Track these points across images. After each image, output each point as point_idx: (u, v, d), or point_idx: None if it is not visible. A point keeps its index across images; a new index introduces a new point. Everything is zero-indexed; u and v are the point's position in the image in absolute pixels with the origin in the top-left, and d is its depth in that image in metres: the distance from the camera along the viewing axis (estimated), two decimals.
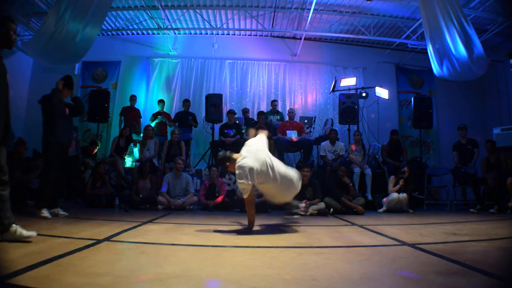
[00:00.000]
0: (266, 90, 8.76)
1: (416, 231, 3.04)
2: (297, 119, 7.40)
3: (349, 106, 6.97)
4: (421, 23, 7.14)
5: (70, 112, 4.05)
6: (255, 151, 2.97)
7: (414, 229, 3.24)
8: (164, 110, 7.70)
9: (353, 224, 3.62)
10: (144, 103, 8.42)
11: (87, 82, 8.58)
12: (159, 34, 8.62)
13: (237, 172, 2.83)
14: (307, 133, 6.92)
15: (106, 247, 2.16)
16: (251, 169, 2.78)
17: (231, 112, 6.84)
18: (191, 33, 8.91)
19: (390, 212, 5.24)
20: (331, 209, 4.90)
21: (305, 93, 8.82)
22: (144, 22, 8.14)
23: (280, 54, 8.98)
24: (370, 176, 5.91)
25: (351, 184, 5.33)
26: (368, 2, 7.01)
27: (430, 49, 6.68)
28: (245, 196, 2.86)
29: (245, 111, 7.69)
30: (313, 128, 7.45)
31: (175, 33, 8.68)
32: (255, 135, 3.38)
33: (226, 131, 6.66)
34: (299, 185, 3.12)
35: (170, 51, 8.78)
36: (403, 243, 2.38)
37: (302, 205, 3.50)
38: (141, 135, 6.90)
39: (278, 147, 6.32)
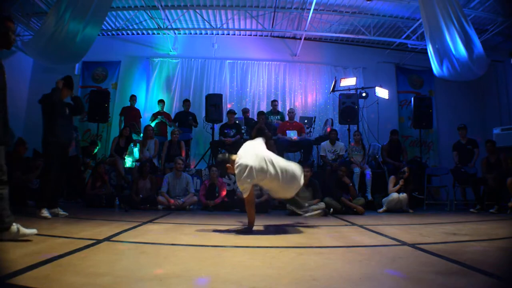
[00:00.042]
0: (266, 90, 8.76)
1: (416, 231, 3.04)
2: (297, 119, 7.40)
3: (349, 106, 6.97)
4: (421, 23, 7.15)
5: (70, 112, 4.05)
6: (252, 149, 2.98)
7: (414, 229, 3.24)
8: (164, 110, 7.71)
9: (353, 224, 3.62)
10: (144, 103, 8.43)
11: (87, 82, 8.58)
12: (159, 34, 8.62)
13: (236, 171, 2.84)
14: (307, 133, 6.92)
15: (106, 247, 2.16)
16: (249, 168, 2.78)
17: (231, 112, 6.84)
18: (191, 33, 8.92)
19: (390, 212, 5.24)
20: (331, 209, 4.90)
21: (305, 93, 8.82)
22: (144, 22, 8.14)
23: (280, 54, 8.99)
24: (370, 176, 5.91)
25: (351, 184, 5.34)
26: (368, 2, 7.02)
27: (430, 49, 6.68)
28: (245, 196, 2.86)
29: (245, 111, 7.69)
30: (313, 128, 7.45)
31: (175, 33, 8.68)
32: (254, 139, 3.38)
33: (225, 131, 6.66)
34: (301, 178, 3.07)
35: (170, 51, 8.78)
36: (403, 243, 2.38)
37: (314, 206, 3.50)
38: (141, 135, 6.90)
39: (278, 147, 6.31)
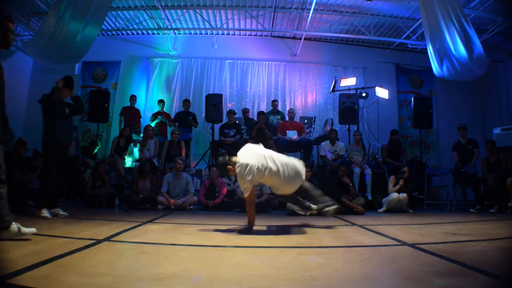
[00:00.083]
0: (266, 90, 8.76)
1: (416, 231, 3.04)
2: (297, 119, 7.40)
3: (349, 106, 6.97)
4: (421, 23, 7.15)
5: (70, 111, 4.05)
6: (251, 150, 3.01)
7: (414, 229, 3.24)
8: (164, 110, 7.71)
9: (353, 224, 3.62)
10: (144, 103, 8.43)
11: (87, 82, 8.58)
12: (159, 34, 8.62)
13: (237, 171, 2.85)
14: (307, 133, 6.93)
15: (106, 247, 2.16)
16: (250, 166, 2.80)
17: (231, 112, 6.84)
18: (191, 33, 8.92)
19: (390, 212, 5.24)
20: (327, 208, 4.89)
21: (305, 93, 8.82)
22: (144, 22, 8.15)
23: (280, 54, 8.99)
24: (370, 176, 5.91)
25: (351, 184, 5.34)
26: (368, 2, 7.02)
27: (430, 49, 6.68)
28: (246, 195, 2.87)
29: (245, 111, 7.69)
30: (313, 128, 7.45)
31: (175, 33, 8.68)
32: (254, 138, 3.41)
33: (225, 131, 6.66)
34: (303, 172, 3.06)
35: (170, 51, 8.78)
36: (403, 243, 2.38)
37: (314, 206, 3.48)
38: (141, 135, 6.90)
39: (278, 147, 6.31)
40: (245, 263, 1.78)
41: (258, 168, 2.82)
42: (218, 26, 8.40)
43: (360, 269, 1.67)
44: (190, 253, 2.08)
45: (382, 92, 7.76)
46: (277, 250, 2.15)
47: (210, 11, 7.95)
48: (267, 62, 8.87)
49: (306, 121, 7.25)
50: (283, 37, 9.10)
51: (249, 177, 2.78)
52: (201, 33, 8.89)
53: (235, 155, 3.01)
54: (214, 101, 6.88)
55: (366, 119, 7.85)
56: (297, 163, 3.07)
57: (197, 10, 7.84)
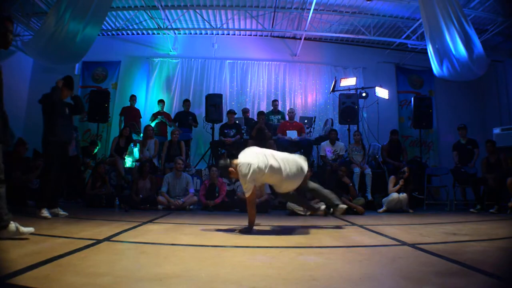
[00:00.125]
0: (266, 90, 8.77)
1: (416, 231, 3.04)
2: (297, 119, 7.40)
3: (349, 106, 6.98)
4: (421, 23, 7.15)
5: (70, 111, 4.05)
6: (251, 151, 3.04)
7: (414, 229, 3.24)
8: (164, 110, 7.71)
9: (353, 224, 3.62)
10: (144, 103, 8.42)
11: (87, 82, 8.59)
12: (159, 34, 8.62)
13: (239, 170, 2.87)
14: (307, 133, 6.93)
15: (106, 247, 2.16)
16: (251, 165, 2.82)
17: (231, 112, 6.84)
18: (191, 33, 8.92)
19: (390, 212, 5.24)
20: (331, 209, 4.90)
21: (305, 93, 8.82)
22: (144, 22, 8.15)
23: (280, 54, 8.99)
24: (370, 176, 5.91)
25: (351, 184, 5.34)
26: (368, 2, 7.02)
27: (430, 49, 6.68)
28: (247, 195, 2.87)
29: (245, 111, 7.69)
30: (313, 128, 7.45)
31: (175, 33, 8.68)
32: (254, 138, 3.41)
33: (225, 131, 6.66)
34: (305, 167, 3.05)
35: (170, 51, 8.78)
36: (403, 243, 2.38)
37: (344, 206, 3.44)
38: (141, 135, 6.90)
39: (278, 147, 6.32)
40: (245, 263, 1.78)
41: (259, 166, 2.83)
42: (218, 26, 8.40)
43: (360, 269, 1.67)
44: (190, 253, 2.08)
45: (382, 92, 7.76)
46: (277, 250, 2.15)
47: (210, 11, 7.95)
48: (267, 62, 8.87)
49: (306, 121, 7.25)
50: (283, 37, 9.10)
51: (251, 176, 2.78)
52: (201, 33, 8.89)
53: (236, 157, 3.02)
54: (214, 101, 6.88)
55: (366, 119, 7.85)
56: (298, 159, 3.09)
57: (197, 10, 7.84)
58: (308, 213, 4.59)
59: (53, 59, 6.75)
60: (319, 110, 8.67)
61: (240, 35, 9.02)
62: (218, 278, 1.47)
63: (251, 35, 9.05)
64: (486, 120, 8.68)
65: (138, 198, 5.31)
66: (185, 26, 8.46)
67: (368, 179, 5.90)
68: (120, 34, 8.51)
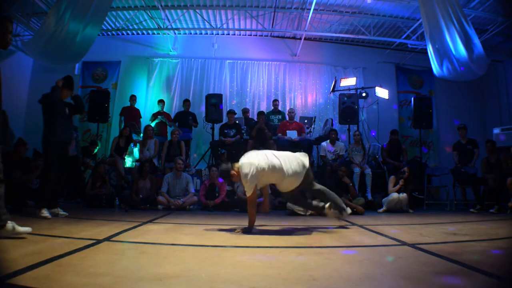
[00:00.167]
0: (266, 90, 8.77)
1: (416, 231, 3.04)
2: (297, 119, 7.40)
3: (349, 106, 6.98)
4: (421, 23, 7.15)
5: (70, 111, 4.05)
6: (251, 153, 3.06)
7: (414, 229, 3.24)
8: (164, 110, 7.71)
9: (353, 224, 3.62)
10: (144, 103, 8.42)
11: (87, 82, 8.59)
12: (159, 34, 8.62)
13: (241, 171, 2.88)
14: (307, 133, 6.93)
15: (106, 247, 2.16)
16: (252, 164, 2.85)
17: (231, 112, 6.84)
18: (191, 33, 8.92)
19: (390, 212, 5.24)
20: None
21: (305, 93, 8.82)
22: (144, 22, 8.15)
23: (280, 54, 8.99)
24: (370, 176, 5.91)
25: (351, 184, 5.34)
26: (368, 2, 7.02)
27: (430, 49, 6.68)
28: (248, 195, 2.88)
29: (245, 111, 7.69)
30: (313, 128, 7.45)
31: (175, 33, 8.68)
32: (252, 146, 3.40)
33: (225, 131, 6.66)
34: (307, 163, 3.05)
35: (170, 51, 8.78)
36: (403, 243, 2.38)
37: (349, 210, 3.40)
38: (141, 135, 6.91)
39: (278, 147, 6.32)
40: (245, 263, 1.78)
41: (260, 165, 2.86)
42: (218, 26, 8.40)
43: (360, 269, 1.67)
44: (190, 253, 2.08)
45: (382, 92, 7.76)
46: (277, 250, 2.15)
47: (210, 11, 7.95)
48: (267, 62, 8.87)
49: (306, 121, 7.25)
50: (283, 37, 9.10)
51: (253, 175, 2.80)
52: (201, 33, 8.89)
53: (237, 159, 3.04)
54: (214, 101, 6.88)
55: (366, 119, 7.85)
56: (299, 155, 3.09)
57: (197, 10, 7.84)
58: (308, 213, 4.59)
59: (53, 59, 6.75)
60: (319, 110, 8.67)
61: (240, 35, 9.02)
62: (218, 278, 1.47)
63: (251, 35, 9.05)
64: (486, 120, 8.68)
65: (138, 198, 5.31)
66: (185, 26, 8.46)
67: (368, 179, 5.90)
68: (120, 34, 8.51)
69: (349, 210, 3.33)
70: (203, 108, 7.50)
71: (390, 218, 4.43)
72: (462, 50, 6.21)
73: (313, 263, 1.80)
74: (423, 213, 5.23)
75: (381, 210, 5.33)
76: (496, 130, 6.98)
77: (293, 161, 3.01)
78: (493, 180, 5.30)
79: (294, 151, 3.25)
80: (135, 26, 8.17)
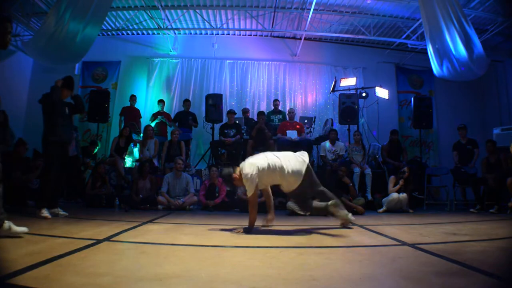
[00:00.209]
0: (266, 90, 8.77)
1: (416, 231, 3.04)
2: (297, 119, 7.40)
3: (349, 106, 6.98)
4: (421, 23, 7.15)
5: (70, 111, 4.05)
6: (251, 157, 3.10)
7: (414, 229, 3.24)
8: (164, 110, 7.71)
9: (353, 224, 3.61)
10: (144, 103, 8.42)
11: (87, 82, 8.59)
12: (159, 34, 8.62)
13: (242, 172, 2.90)
14: (307, 133, 6.93)
15: (106, 247, 2.16)
16: (253, 164, 2.88)
17: (231, 112, 6.84)
18: (191, 33, 8.92)
19: (390, 212, 5.24)
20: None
21: (305, 93, 8.82)
22: (144, 22, 8.15)
23: (280, 54, 8.99)
24: (370, 176, 5.91)
25: (351, 184, 5.33)
26: (368, 2, 7.02)
27: (430, 49, 6.68)
28: (249, 195, 2.88)
29: (245, 111, 7.69)
30: (313, 128, 7.45)
31: (175, 33, 8.68)
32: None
33: (225, 131, 6.66)
34: (307, 160, 3.06)
35: (170, 51, 8.78)
36: (403, 243, 2.38)
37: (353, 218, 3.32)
38: (141, 135, 6.91)
39: (278, 147, 6.32)
40: (245, 263, 1.78)
41: (261, 165, 2.89)
42: (218, 26, 8.40)
43: (360, 269, 1.67)
44: (190, 253, 2.08)
45: (382, 92, 7.77)
46: (277, 250, 2.15)
47: (210, 11, 7.95)
48: (267, 62, 8.87)
49: (306, 121, 7.25)
50: (283, 37, 9.10)
51: (254, 175, 2.82)
52: (201, 33, 8.89)
53: (237, 160, 3.07)
54: (214, 101, 6.88)
55: (366, 119, 7.85)
56: (298, 153, 3.11)
57: (197, 10, 7.84)
58: (308, 213, 4.59)
59: (53, 59, 6.75)
60: (319, 110, 8.67)
61: (240, 35, 9.02)
62: (218, 278, 1.47)
63: (251, 35, 9.05)
64: (486, 120, 8.68)
65: (138, 198, 5.31)
66: (185, 26, 8.46)
67: (368, 179, 5.90)
68: (120, 34, 8.51)
69: (352, 218, 3.28)
70: (203, 108, 7.50)
71: (390, 218, 4.43)
72: (462, 50, 6.21)
73: (313, 263, 1.80)
74: (423, 213, 5.23)
75: (381, 210, 5.33)
76: (496, 130, 6.99)
77: (293, 159, 3.02)
78: (493, 180, 5.30)
79: (294, 151, 3.24)
80: (135, 26, 8.17)
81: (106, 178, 5.63)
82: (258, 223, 3.12)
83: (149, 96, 8.52)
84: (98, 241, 2.28)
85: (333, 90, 7.50)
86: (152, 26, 8.27)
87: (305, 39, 8.64)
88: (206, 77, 8.69)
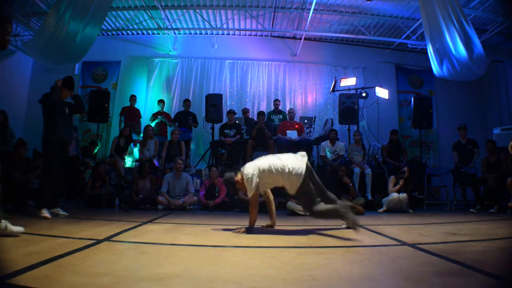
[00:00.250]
0: (266, 90, 8.77)
1: (416, 231, 3.04)
2: (297, 119, 7.40)
3: (349, 106, 6.98)
4: (421, 23, 7.15)
5: (70, 111, 4.05)
6: (252, 161, 3.12)
7: (414, 229, 3.24)
8: (164, 110, 7.71)
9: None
10: (144, 103, 8.42)
11: (87, 82, 8.59)
12: (159, 34, 8.62)
13: (244, 172, 2.92)
14: (307, 133, 6.93)
15: (106, 247, 2.16)
16: (255, 165, 2.91)
17: (231, 112, 6.84)
18: (191, 33, 8.92)
19: (390, 212, 5.24)
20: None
21: (305, 93, 8.82)
22: (144, 22, 8.15)
23: (280, 54, 8.99)
24: (370, 176, 5.91)
25: (351, 184, 5.34)
26: (368, 2, 7.02)
27: (430, 49, 6.67)
28: (249, 195, 2.88)
29: (245, 111, 7.69)
30: (313, 128, 7.45)
31: (175, 33, 8.68)
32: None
33: (225, 131, 6.66)
34: (305, 159, 3.04)
35: (170, 51, 8.78)
36: (403, 243, 2.38)
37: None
38: (141, 135, 6.91)
39: (278, 147, 6.32)
40: (245, 263, 1.78)
41: (262, 166, 2.91)
42: (218, 26, 8.40)
43: (360, 269, 1.68)
44: (190, 253, 2.08)
45: (382, 92, 7.77)
46: (277, 250, 2.15)
47: (210, 11, 7.95)
48: (267, 62, 8.87)
49: (306, 121, 7.25)
50: (283, 37, 9.10)
51: (255, 175, 2.83)
52: (201, 33, 8.89)
53: (237, 160, 3.08)
54: (214, 101, 6.88)
55: (366, 119, 7.85)
56: (298, 154, 3.10)
57: (197, 10, 7.84)
58: (308, 213, 4.58)
59: (53, 59, 6.75)
60: (319, 110, 8.67)
61: (240, 35, 9.02)
62: (218, 278, 1.47)
63: (251, 35, 9.05)
64: (486, 120, 8.68)
65: (138, 198, 5.31)
66: (185, 26, 8.46)
67: (368, 179, 5.90)
68: (120, 34, 8.51)
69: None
70: (203, 108, 7.50)
71: (390, 218, 4.43)
72: (462, 50, 6.21)
73: (313, 263, 1.80)
74: (423, 213, 5.23)
75: (381, 210, 5.33)
76: (496, 130, 6.99)
77: (292, 158, 3.03)
78: (493, 180, 5.30)
79: (294, 151, 3.24)
80: (135, 26, 8.17)
81: (106, 178, 5.63)
82: (259, 223, 3.12)
83: (149, 96, 8.52)
84: (98, 241, 2.28)
85: (333, 90, 7.50)
86: (152, 26, 8.27)
87: (305, 39, 8.64)
88: (206, 77, 8.69)
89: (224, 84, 8.69)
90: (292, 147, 6.47)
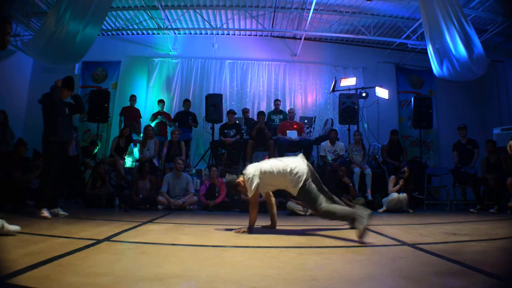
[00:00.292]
0: (266, 90, 8.77)
1: (416, 231, 3.04)
2: (297, 119, 7.40)
3: (349, 106, 6.98)
4: (421, 23, 7.15)
5: (70, 111, 4.05)
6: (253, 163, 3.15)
7: (414, 229, 3.24)
8: (164, 110, 7.71)
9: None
10: (144, 103, 8.42)
11: (87, 82, 8.59)
12: (159, 34, 8.62)
13: (245, 173, 2.93)
14: (307, 133, 6.93)
15: (106, 247, 2.16)
16: (257, 166, 2.93)
17: (231, 112, 6.84)
18: (191, 33, 8.92)
19: (390, 212, 5.24)
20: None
21: (305, 93, 8.82)
22: (144, 22, 8.15)
23: (280, 54, 8.99)
24: (370, 176, 5.91)
25: (351, 184, 5.34)
26: (368, 2, 7.02)
27: (430, 49, 6.68)
28: (250, 195, 2.89)
29: (245, 111, 7.69)
30: (313, 128, 7.45)
31: (175, 33, 8.68)
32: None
33: (225, 131, 6.66)
34: (305, 160, 3.06)
35: (170, 51, 8.78)
36: (403, 243, 2.38)
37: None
38: (141, 135, 6.91)
39: (278, 147, 6.32)
40: (245, 263, 1.78)
41: (263, 167, 2.93)
42: (218, 26, 8.40)
43: (360, 269, 1.68)
44: (190, 253, 2.08)
45: (382, 92, 7.76)
46: (277, 250, 2.15)
47: (210, 11, 7.95)
48: (267, 62, 8.87)
49: (306, 121, 7.25)
50: (283, 37, 9.10)
51: (256, 176, 2.84)
52: (201, 33, 8.89)
53: (237, 160, 3.09)
54: (214, 101, 6.88)
55: (366, 119, 7.85)
56: (297, 157, 3.10)
57: (197, 10, 7.84)
58: (308, 213, 4.59)
59: (53, 59, 6.75)
60: (319, 110, 8.67)
61: (240, 35, 9.02)
62: (218, 278, 1.47)
63: (251, 35, 9.05)
64: (486, 120, 8.68)
65: (138, 198, 5.31)
66: (185, 26, 8.46)
67: (368, 179, 5.90)
68: (120, 34, 8.51)
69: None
70: (203, 108, 7.50)
71: (390, 218, 4.43)
72: (462, 50, 6.21)
73: (313, 263, 1.80)
74: (423, 213, 5.23)
75: (381, 210, 5.33)
76: (496, 130, 6.99)
77: (293, 159, 3.05)
78: (493, 180, 5.30)
79: (294, 151, 3.26)
80: (135, 26, 8.17)
81: (106, 178, 5.63)
82: (259, 223, 3.12)
83: (149, 96, 8.52)
84: (98, 241, 2.28)
85: (333, 90, 7.50)
86: (152, 26, 8.27)
87: (305, 39, 8.64)
88: (206, 77, 8.69)
89: (224, 84, 8.69)
90: (292, 147, 6.49)
